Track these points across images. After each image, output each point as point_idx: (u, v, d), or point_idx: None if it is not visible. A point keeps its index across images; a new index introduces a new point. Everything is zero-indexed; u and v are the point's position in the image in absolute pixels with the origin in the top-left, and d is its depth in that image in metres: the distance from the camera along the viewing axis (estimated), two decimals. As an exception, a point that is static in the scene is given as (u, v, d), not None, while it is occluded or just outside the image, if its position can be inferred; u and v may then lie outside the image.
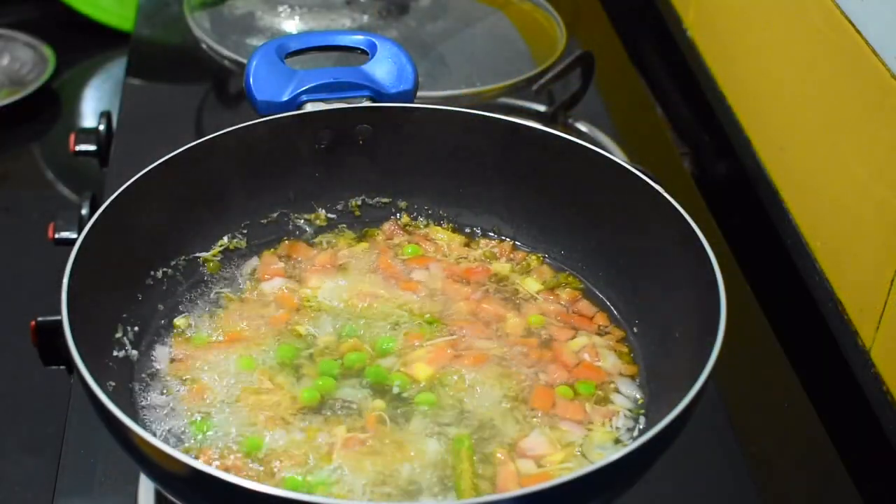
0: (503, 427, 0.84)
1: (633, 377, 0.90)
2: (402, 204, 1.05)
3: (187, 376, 0.88)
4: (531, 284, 0.98)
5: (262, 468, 0.80)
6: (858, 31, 1.05)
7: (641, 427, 0.86)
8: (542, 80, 1.34)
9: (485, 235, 1.04)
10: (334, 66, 1.05)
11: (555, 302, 0.97)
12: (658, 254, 0.92)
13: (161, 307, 0.94)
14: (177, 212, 0.95)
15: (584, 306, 0.96)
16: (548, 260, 1.01)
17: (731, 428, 1.03)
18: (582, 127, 1.40)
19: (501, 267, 1.00)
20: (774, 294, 1.19)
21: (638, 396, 0.88)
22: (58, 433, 0.98)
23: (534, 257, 1.01)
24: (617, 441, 0.85)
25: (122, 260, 0.90)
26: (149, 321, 0.92)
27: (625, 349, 0.92)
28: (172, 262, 0.96)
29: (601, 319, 0.95)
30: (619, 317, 0.95)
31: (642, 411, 0.87)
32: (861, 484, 0.98)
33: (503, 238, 1.03)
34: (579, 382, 0.88)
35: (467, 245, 1.03)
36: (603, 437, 0.84)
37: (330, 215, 1.04)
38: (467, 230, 1.04)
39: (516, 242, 1.02)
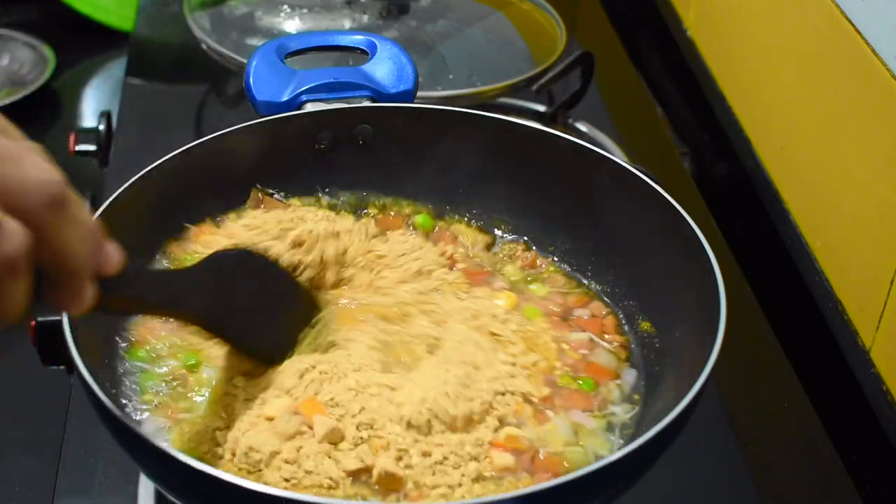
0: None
1: (622, 374, 0.90)
2: (402, 203, 1.05)
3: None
4: (540, 290, 0.98)
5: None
6: (858, 31, 1.05)
7: (636, 416, 0.86)
8: (542, 80, 1.34)
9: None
10: (334, 66, 1.05)
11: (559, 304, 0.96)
12: (658, 254, 0.92)
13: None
14: (176, 212, 0.95)
15: (595, 307, 0.96)
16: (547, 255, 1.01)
17: (731, 428, 1.03)
18: (582, 127, 1.40)
19: (514, 274, 0.99)
20: (774, 294, 1.19)
21: (634, 395, 0.88)
22: (58, 433, 0.98)
23: (549, 263, 1.01)
24: (609, 427, 0.85)
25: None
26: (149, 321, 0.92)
27: (623, 353, 0.92)
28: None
29: (609, 323, 0.95)
30: (619, 315, 0.95)
31: (636, 408, 0.87)
32: (861, 484, 0.98)
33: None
34: (582, 378, 0.88)
35: (488, 248, 1.02)
36: (597, 426, 0.85)
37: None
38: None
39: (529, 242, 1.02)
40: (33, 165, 0.57)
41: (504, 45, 1.50)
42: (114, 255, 0.64)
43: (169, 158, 0.92)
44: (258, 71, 1.00)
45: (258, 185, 1.00)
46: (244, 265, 0.81)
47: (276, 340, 0.83)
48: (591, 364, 0.90)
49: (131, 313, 0.79)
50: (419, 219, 1.02)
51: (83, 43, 1.88)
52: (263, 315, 0.82)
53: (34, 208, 0.56)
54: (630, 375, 0.89)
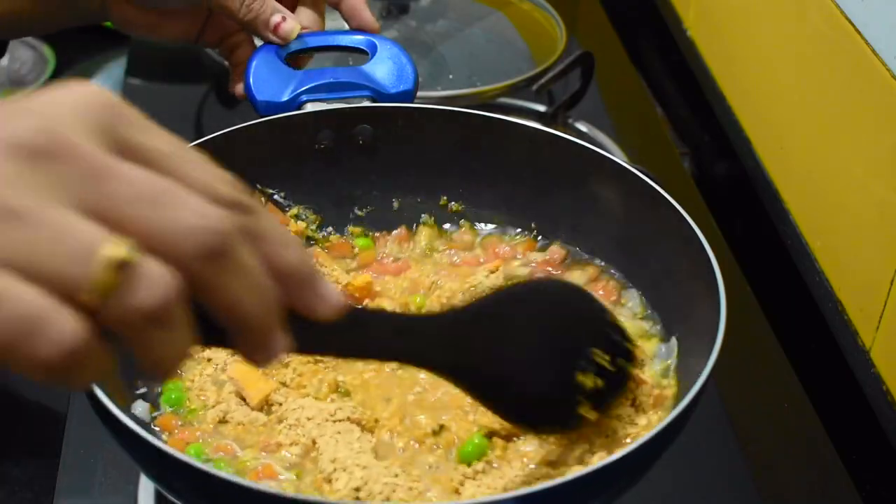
0: None
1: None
2: (402, 203, 1.05)
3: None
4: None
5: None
6: (858, 32, 1.05)
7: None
8: (542, 80, 1.34)
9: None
10: (334, 66, 1.05)
11: None
12: (658, 254, 0.92)
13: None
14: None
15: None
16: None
17: (731, 428, 1.03)
18: (582, 127, 1.40)
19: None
20: (774, 294, 1.19)
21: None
22: (58, 433, 0.97)
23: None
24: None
25: (122, 260, 0.90)
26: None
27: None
28: (172, 263, 0.96)
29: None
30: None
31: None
32: (861, 484, 0.98)
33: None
34: None
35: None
36: None
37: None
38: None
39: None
40: (188, 208, 0.48)
41: (504, 45, 1.49)
42: (329, 298, 0.54)
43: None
44: (258, 71, 1.01)
45: (259, 186, 1.00)
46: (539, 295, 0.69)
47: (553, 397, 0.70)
48: None
49: (353, 357, 0.68)
50: (360, 242, 1.02)
51: (83, 43, 1.87)
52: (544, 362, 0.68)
53: (185, 259, 0.48)
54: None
